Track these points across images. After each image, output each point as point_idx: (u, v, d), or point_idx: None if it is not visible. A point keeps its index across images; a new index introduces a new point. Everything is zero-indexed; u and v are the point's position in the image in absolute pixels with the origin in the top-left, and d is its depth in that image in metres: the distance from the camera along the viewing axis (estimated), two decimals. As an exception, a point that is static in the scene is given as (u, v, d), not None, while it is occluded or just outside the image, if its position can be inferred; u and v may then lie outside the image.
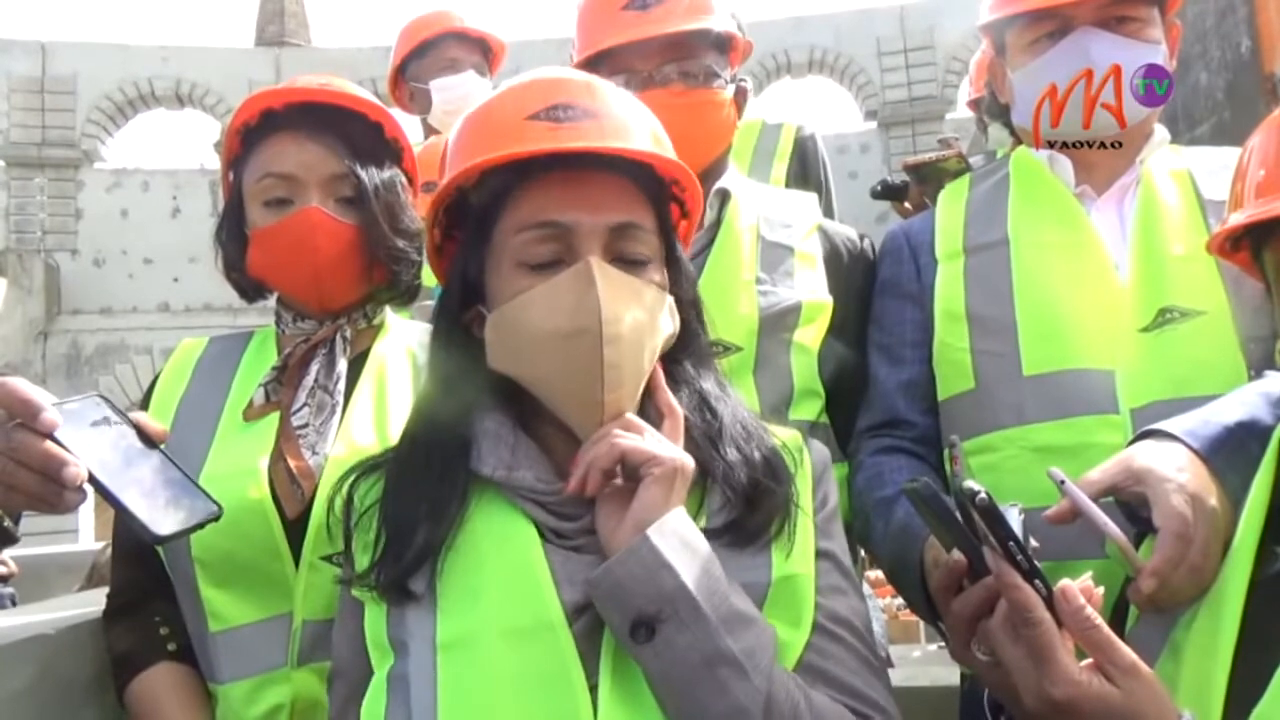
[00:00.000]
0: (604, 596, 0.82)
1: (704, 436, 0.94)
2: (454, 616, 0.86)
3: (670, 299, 0.97)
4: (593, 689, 0.81)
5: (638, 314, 0.90)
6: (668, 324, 0.95)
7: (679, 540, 0.83)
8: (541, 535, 0.89)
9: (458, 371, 0.97)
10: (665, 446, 0.88)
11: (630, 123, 0.95)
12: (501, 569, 0.87)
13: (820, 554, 0.93)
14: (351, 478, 1.00)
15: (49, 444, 0.88)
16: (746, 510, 0.90)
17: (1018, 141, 2.25)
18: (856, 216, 2.35)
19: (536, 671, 0.82)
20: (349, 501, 0.98)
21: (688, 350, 1.00)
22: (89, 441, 0.91)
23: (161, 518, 0.91)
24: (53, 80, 17.38)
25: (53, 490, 0.88)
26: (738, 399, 1.00)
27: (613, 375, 0.87)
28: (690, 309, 1.00)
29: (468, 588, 0.87)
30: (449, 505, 0.91)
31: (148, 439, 0.98)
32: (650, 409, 0.93)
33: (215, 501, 0.97)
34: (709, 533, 0.88)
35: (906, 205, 2.44)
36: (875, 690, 0.89)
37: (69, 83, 17.45)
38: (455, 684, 0.83)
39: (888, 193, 2.29)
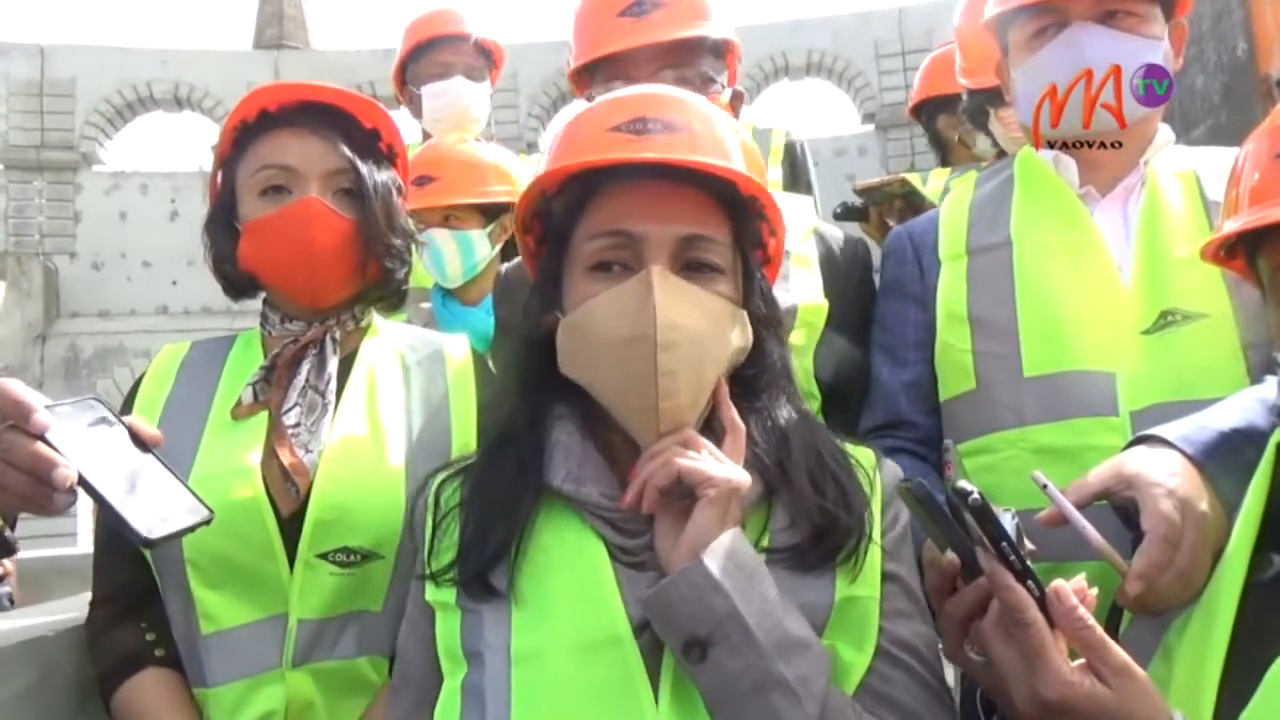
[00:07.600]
0: (657, 617, 0.83)
1: (772, 458, 0.93)
2: (528, 628, 0.87)
3: (743, 314, 0.96)
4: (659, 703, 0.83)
5: (698, 322, 0.90)
6: (738, 337, 0.95)
7: (733, 563, 0.83)
8: (609, 550, 0.89)
9: (535, 375, 0.99)
10: (722, 466, 0.87)
11: (714, 139, 0.95)
12: (571, 583, 0.89)
13: (887, 576, 0.92)
14: (439, 479, 1.03)
15: (39, 445, 0.87)
16: (814, 536, 0.90)
17: (1000, 154, 2.27)
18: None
19: (604, 686, 0.83)
20: (436, 502, 1.00)
21: (760, 367, 0.99)
22: (81, 444, 0.91)
23: (152, 521, 0.90)
24: (51, 83, 17.34)
25: (43, 492, 0.88)
26: (814, 420, 0.99)
27: (667, 382, 0.87)
28: (766, 326, 0.99)
29: (541, 597, 0.89)
30: (519, 511, 0.92)
31: (141, 442, 0.97)
32: (715, 423, 0.93)
33: (207, 506, 0.97)
34: (772, 552, 0.88)
35: (868, 226, 2.46)
36: (938, 718, 0.89)
37: (67, 85, 17.41)
38: (528, 695, 0.84)
39: (849, 214, 2.33)
